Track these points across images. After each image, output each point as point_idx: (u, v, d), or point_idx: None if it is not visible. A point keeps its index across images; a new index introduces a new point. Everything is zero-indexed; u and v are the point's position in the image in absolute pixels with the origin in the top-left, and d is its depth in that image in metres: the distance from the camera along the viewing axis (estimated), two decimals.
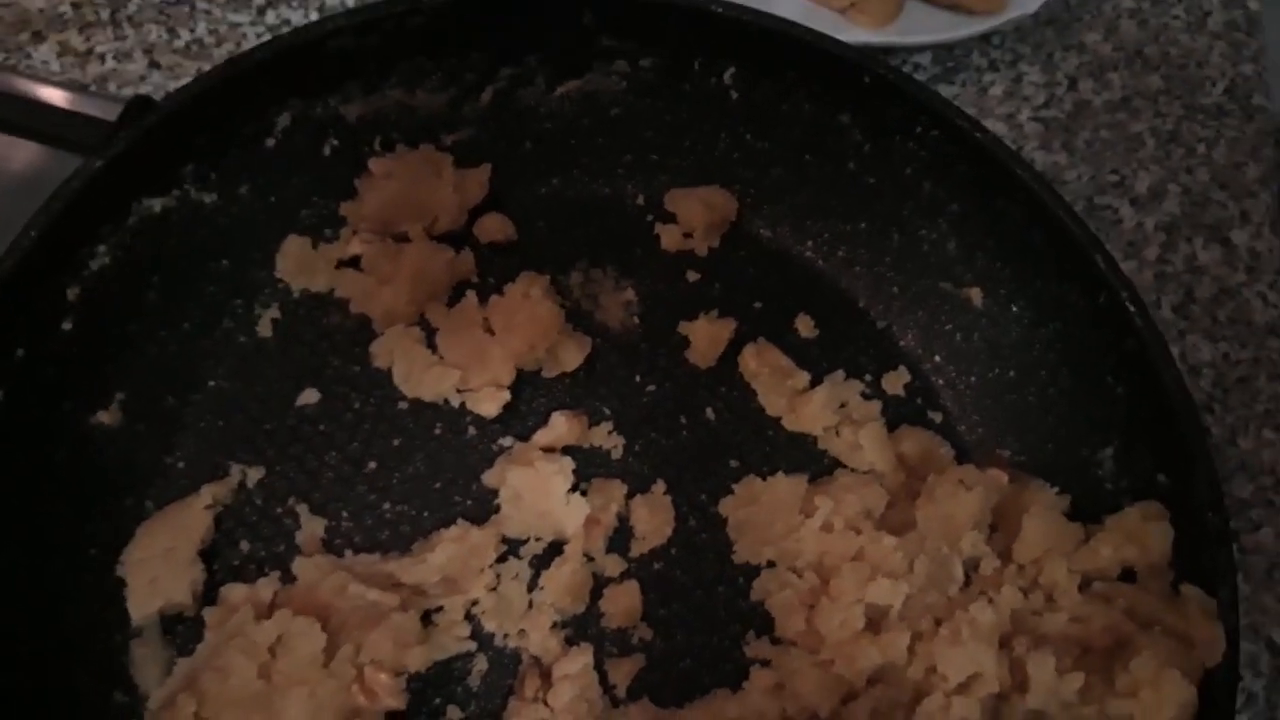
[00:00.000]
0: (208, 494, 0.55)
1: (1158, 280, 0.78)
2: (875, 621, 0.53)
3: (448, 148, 0.64)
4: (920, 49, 0.84)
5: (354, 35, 0.58)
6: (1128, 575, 0.54)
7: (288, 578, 0.53)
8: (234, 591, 0.51)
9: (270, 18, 0.82)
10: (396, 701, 0.48)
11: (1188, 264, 0.79)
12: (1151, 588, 0.52)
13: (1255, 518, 0.70)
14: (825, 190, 0.66)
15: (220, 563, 0.55)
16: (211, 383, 0.59)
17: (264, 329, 0.61)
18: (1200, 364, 0.75)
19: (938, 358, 0.65)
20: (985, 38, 0.86)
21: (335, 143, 0.62)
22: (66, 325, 0.54)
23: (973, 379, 0.64)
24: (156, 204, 0.57)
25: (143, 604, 0.51)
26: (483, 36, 0.62)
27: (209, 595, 0.53)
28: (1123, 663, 0.49)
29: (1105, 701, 0.48)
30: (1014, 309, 0.62)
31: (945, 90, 0.83)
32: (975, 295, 0.63)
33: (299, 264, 0.62)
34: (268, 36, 0.80)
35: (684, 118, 0.66)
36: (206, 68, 0.78)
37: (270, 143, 0.60)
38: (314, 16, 0.81)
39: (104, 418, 0.55)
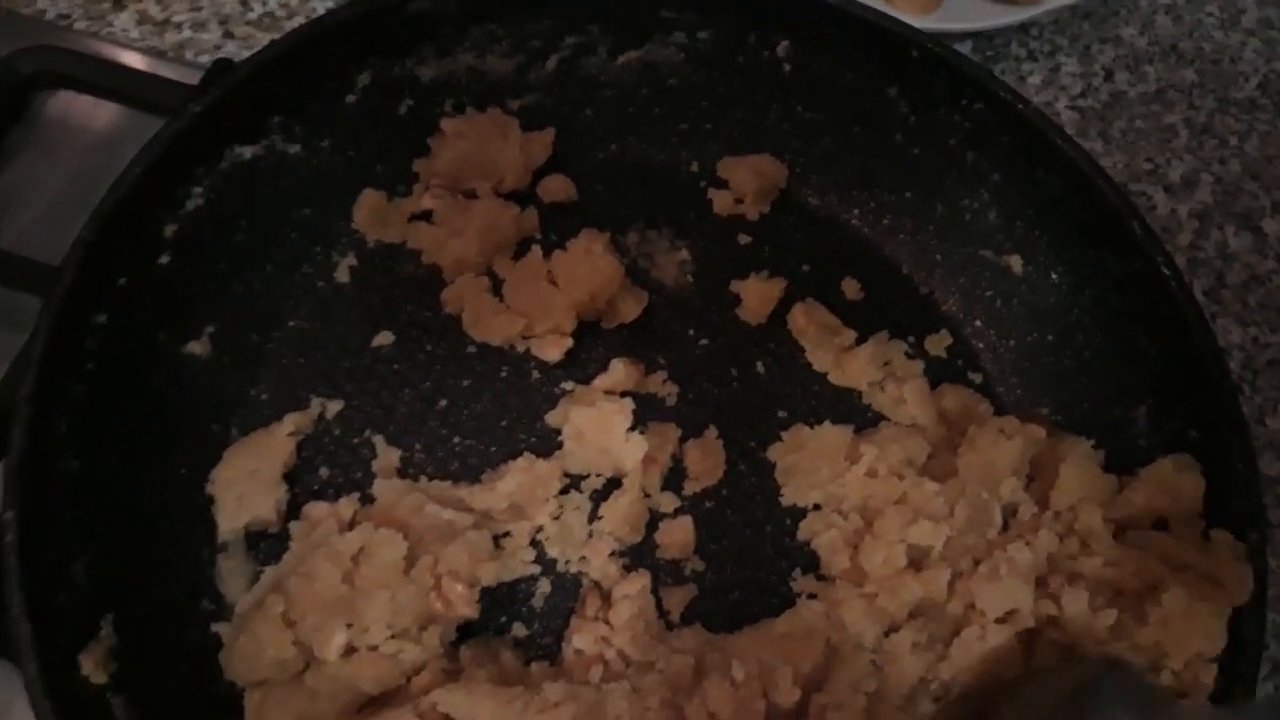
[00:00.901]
0: (290, 422, 0.58)
1: (1190, 265, 0.81)
2: (917, 561, 0.55)
3: (514, 111, 0.67)
4: (961, 36, 0.87)
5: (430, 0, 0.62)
6: (1160, 525, 0.57)
7: (366, 500, 0.56)
8: (317, 509, 0.54)
9: None
10: (470, 610, 0.51)
11: (1219, 250, 0.82)
12: (1183, 535, 0.54)
13: None
14: (872, 160, 0.68)
15: (301, 486, 0.58)
16: (292, 323, 0.62)
17: (341, 275, 0.64)
18: (1230, 346, 0.78)
19: (978, 322, 0.67)
20: (1024, 28, 0.89)
21: (410, 103, 0.65)
22: (164, 260, 0.57)
23: (1011, 342, 0.66)
24: (246, 151, 0.60)
25: (230, 519, 0.55)
26: (550, 6, 0.65)
27: (292, 515, 0.56)
28: (1155, 602, 0.51)
29: (1136, 634, 0.51)
30: (1052, 275, 0.65)
31: None
32: (1015, 262, 0.66)
33: (374, 216, 0.65)
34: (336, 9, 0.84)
35: (738, 88, 0.69)
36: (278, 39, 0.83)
37: (350, 100, 0.63)
38: None
39: (195, 348, 0.59)
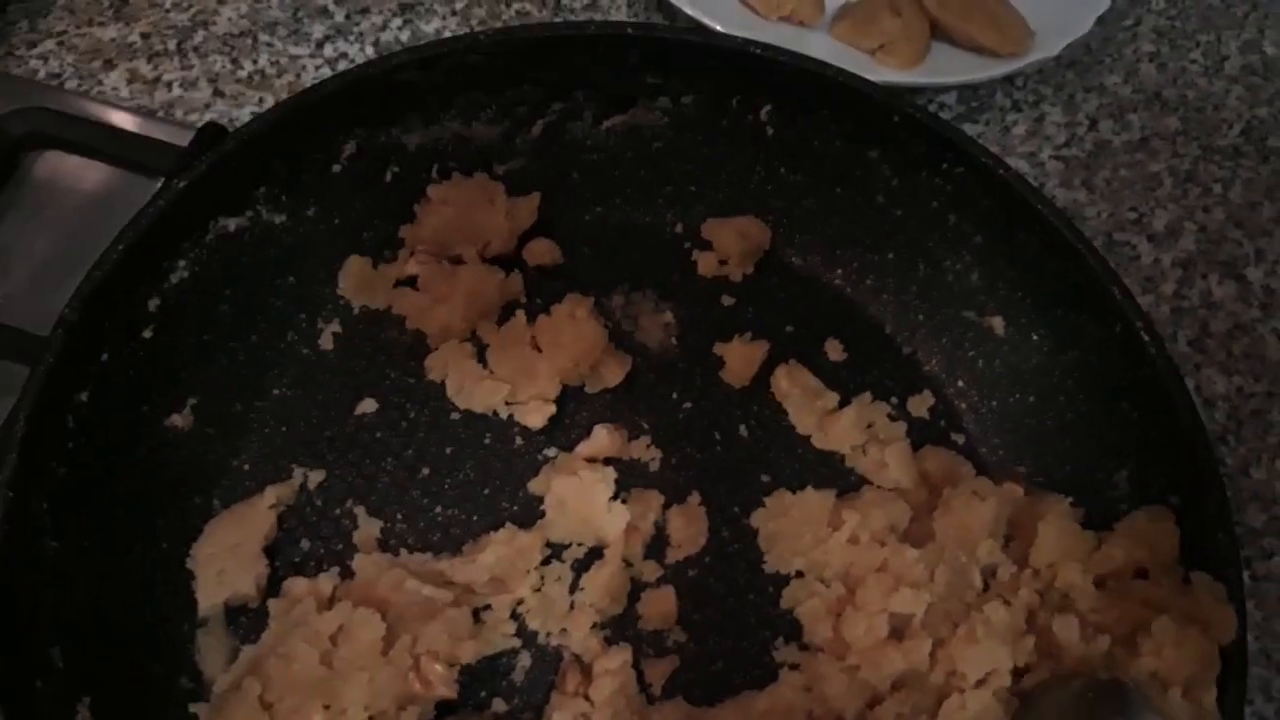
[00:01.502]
0: (271, 494, 0.58)
1: (1174, 314, 0.81)
2: (899, 629, 0.56)
3: (500, 176, 0.68)
4: (946, 89, 0.88)
5: (418, 70, 0.62)
6: (1140, 575, 0.57)
7: (346, 574, 0.57)
8: (296, 585, 0.55)
9: (328, 51, 0.86)
10: (449, 690, 0.51)
11: (1203, 299, 0.82)
12: (1163, 582, 0.55)
13: (1267, 546, 0.73)
14: (854, 221, 0.69)
15: (282, 559, 0.58)
16: (276, 391, 0.63)
17: (325, 342, 0.65)
18: (1215, 397, 0.78)
19: (960, 382, 0.67)
20: (1009, 79, 0.89)
21: (396, 170, 0.66)
22: (147, 333, 0.57)
23: (994, 403, 0.66)
24: (231, 223, 0.61)
25: (210, 595, 0.55)
26: (535, 73, 0.66)
27: (272, 589, 0.56)
28: (1145, 634, 0.52)
29: (1132, 665, 0.51)
30: (1034, 337, 0.65)
31: (969, 129, 0.87)
32: (997, 324, 0.66)
33: (360, 282, 0.66)
34: (325, 68, 0.85)
35: (722, 151, 0.69)
36: (267, 97, 0.84)
37: (336, 168, 0.64)
38: (370, 51, 0.86)
39: (177, 420, 0.59)
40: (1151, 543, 0.56)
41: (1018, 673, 0.54)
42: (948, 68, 0.85)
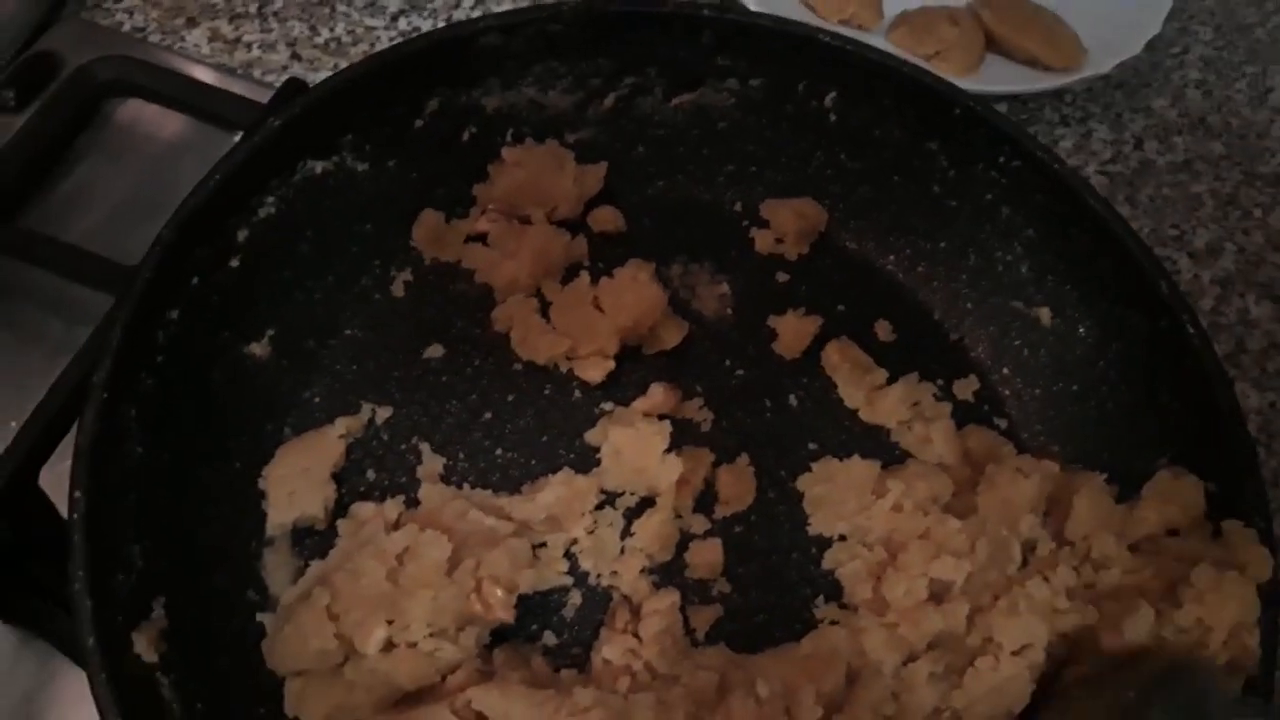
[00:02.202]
0: (341, 425, 0.60)
1: (1211, 329, 0.83)
2: (938, 594, 0.57)
3: (570, 144, 0.70)
4: (997, 99, 0.90)
5: (500, 35, 0.65)
6: (1171, 534, 0.58)
7: (411, 504, 0.59)
8: (364, 508, 0.57)
9: (402, 24, 0.89)
10: (508, 615, 0.53)
11: (1240, 317, 0.84)
12: (1194, 536, 0.57)
13: None
14: (909, 209, 0.71)
15: (348, 487, 0.60)
16: (348, 331, 0.65)
17: (397, 289, 0.67)
18: (1248, 410, 0.79)
19: (1005, 369, 0.69)
20: (1058, 94, 0.92)
21: (473, 130, 0.69)
22: (234, 263, 0.60)
23: (1037, 391, 0.68)
24: (318, 166, 0.63)
25: (280, 514, 0.57)
26: (611, 47, 0.68)
27: (338, 513, 0.58)
28: (1185, 583, 0.53)
29: (1175, 617, 0.52)
30: (1080, 329, 0.67)
31: None
32: (1044, 315, 0.68)
33: (432, 235, 0.68)
34: (399, 40, 0.88)
35: (784, 135, 0.72)
36: (342, 63, 0.87)
37: (418, 124, 0.66)
38: (441, 24, 0.89)
39: (255, 349, 0.61)
40: (1180, 501, 0.58)
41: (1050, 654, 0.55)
42: (1000, 78, 0.87)
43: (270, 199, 0.61)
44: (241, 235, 0.60)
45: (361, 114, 0.64)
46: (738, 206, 0.73)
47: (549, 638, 0.57)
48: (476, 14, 0.90)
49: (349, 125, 0.64)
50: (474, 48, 0.65)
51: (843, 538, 0.61)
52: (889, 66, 0.67)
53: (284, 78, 0.85)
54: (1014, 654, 0.55)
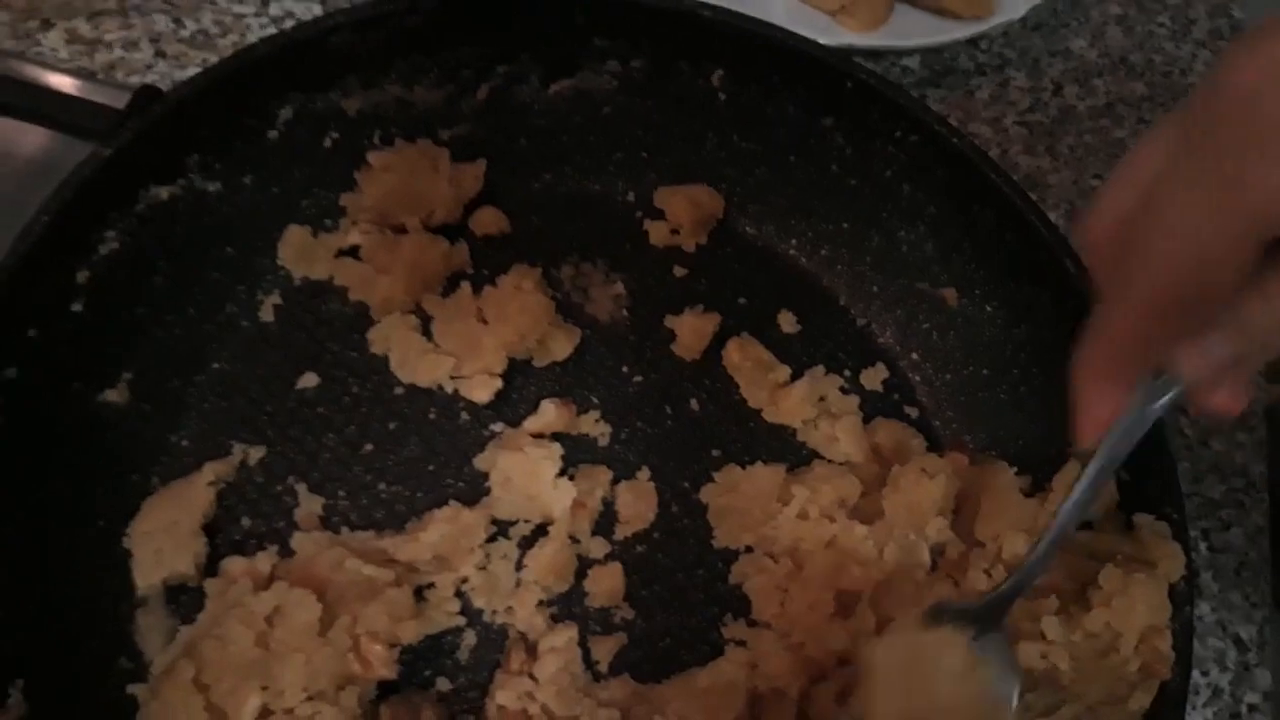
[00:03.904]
0: (210, 471, 0.57)
1: None
2: (846, 606, 0.55)
3: (445, 142, 0.66)
4: (908, 52, 0.86)
5: (354, 32, 0.60)
6: (1084, 528, 0.56)
7: (286, 552, 0.56)
8: (234, 564, 0.54)
9: (274, 9, 0.83)
10: (389, 671, 0.51)
11: None
12: (1106, 529, 0.55)
13: (1225, 517, 0.73)
14: (808, 191, 0.68)
15: (222, 537, 0.57)
16: (215, 365, 0.61)
17: (266, 314, 0.63)
18: None
19: (914, 355, 0.67)
20: (973, 42, 0.88)
21: (335, 136, 0.64)
22: (76, 307, 0.56)
23: (948, 376, 0.66)
24: (163, 192, 0.59)
25: (148, 574, 0.54)
26: (479, 35, 0.64)
27: (211, 567, 0.55)
28: (1094, 587, 0.52)
29: (1085, 621, 0.51)
30: (988, 309, 0.64)
31: (933, 94, 0.86)
32: (951, 296, 0.65)
33: (300, 252, 0.64)
34: (271, 28, 0.82)
35: (673, 117, 0.68)
36: (212, 58, 0.81)
37: (272, 135, 0.62)
38: (316, 9, 0.83)
39: (112, 396, 0.57)
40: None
41: None
42: (910, 30, 0.83)
43: (111, 233, 0.57)
44: (82, 276, 0.56)
45: (206, 131, 0.59)
46: (630, 197, 0.70)
47: (443, 683, 0.55)
48: None
49: (194, 144, 0.59)
50: (326, 47, 0.60)
51: (749, 549, 0.59)
52: (775, 39, 0.63)
53: (149, 78, 0.80)
54: None
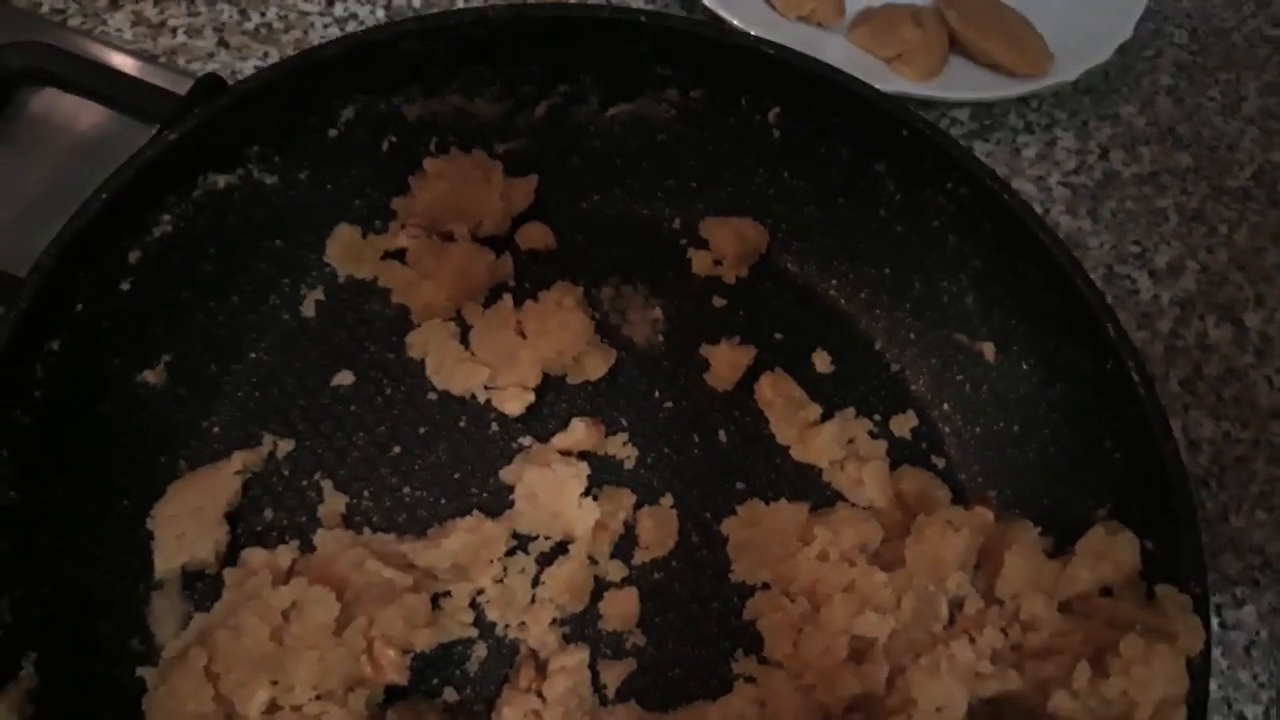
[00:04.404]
0: (238, 460, 0.57)
1: (1168, 353, 0.80)
2: (860, 651, 0.55)
3: (499, 155, 0.67)
4: (960, 105, 0.87)
5: (421, 40, 0.61)
6: (1103, 594, 0.56)
7: (307, 548, 0.56)
8: (255, 555, 0.54)
9: (338, 10, 0.85)
10: (399, 677, 0.51)
11: (1199, 341, 0.81)
12: (1127, 597, 0.55)
13: (1240, 595, 0.72)
14: (854, 233, 0.68)
15: (244, 527, 0.57)
16: (253, 355, 0.62)
17: (308, 309, 0.64)
18: (1201, 440, 0.77)
19: (946, 405, 0.67)
20: (1023, 100, 0.88)
21: (393, 139, 0.65)
22: (125, 286, 0.56)
23: (977, 429, 0.66)
24: (221, 180, 0.59)
25: (168, 558, 0.54)
26: (543, 53, 0.64)
27: (231, 557, 0.55)
28: (1113, 654, 0.51)
29: (1102, 687, 0.50)
30: (1024, 366, 0.64)
31: (980, 147, 0.86)
32: (988, 350, 0.65)
33: (347, 251, 0.64)
34: (334, 27, 0.84)
35: (726, 150, 0.68)
36: (273, 51, 0.82)
37: (333, 133, 0.63)
38: (380, 11, 0.85)
39: (149, 377, 0.58)
40: (1114, 558, 0.56)
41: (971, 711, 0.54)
42: (963, 83, 0.84)
43: (166, 217, 0.57)
44: (133, 256, 0.56)
45: (270, 124, 0.60)
46: (676, 224, 0.70)
47: (450, 694, 0.55)
48: (417, 1, 0.86)
49: (255, 136, 0.60)
50: (394, 52, 0.61)
51: (766, 586, 0.59)
52: (835, 82, 0.63)
53: (210, 66, 0.81)
54: (932, 715, 0.53)
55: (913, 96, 0.81)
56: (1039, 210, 0.84)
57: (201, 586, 0.55)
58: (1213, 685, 0.68)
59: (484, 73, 0.64)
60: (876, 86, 0.78)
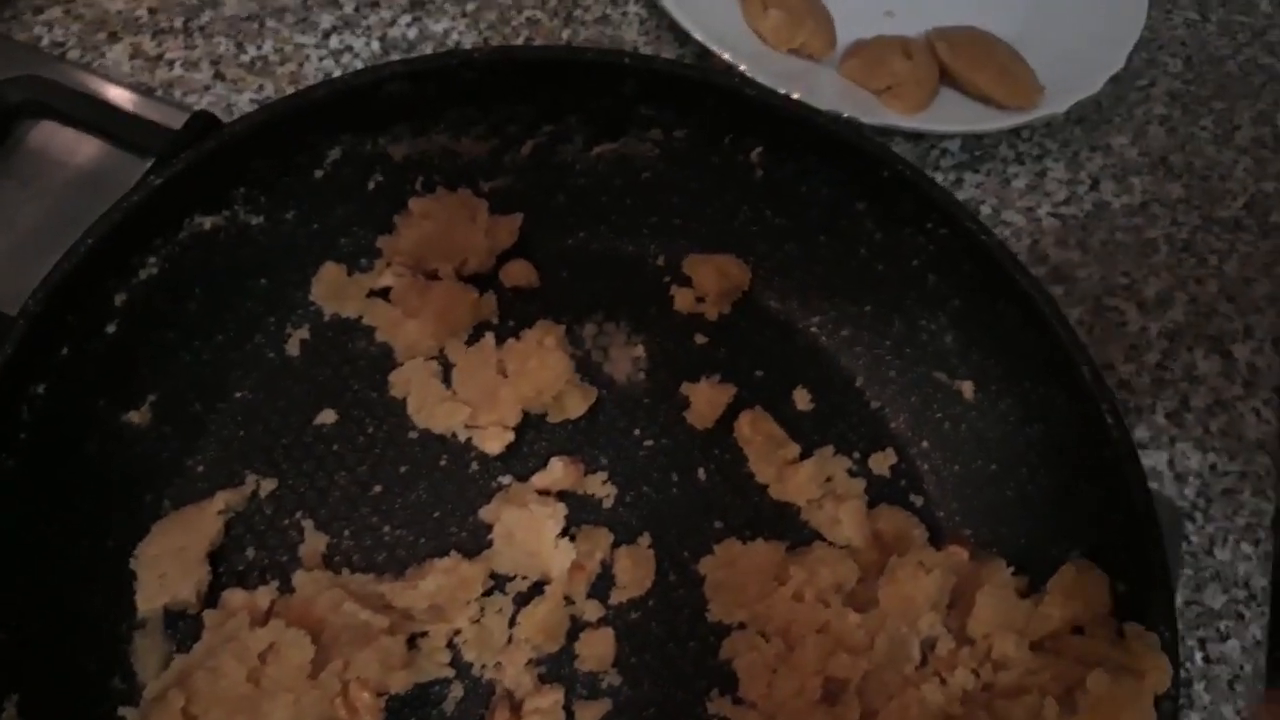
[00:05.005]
0: (221, 499, 0.58)
1: (1155, 385, 0.80)
2: (833, 693, 0.56)
3: (485, 194, 0.68)
4: (950, 136, 0.87)
5: (409, 81, 0.62)
6: (1076, 631, 0.57)
7: (287, 588, 0.57)
8: (234, 596, 0.55)
9: (334, 42, 0.86)
10: None
11: (1186, 372, 0.81)
12: (1097, 635, 0.55)
13: (1224, 629, 0.72)
14: (835, 271, 0.68)
15: (226, 566, 0.58)
16: (237, 394, 0.63)
17: (292, 348, 0.65)
18: (1187, 472, 0.77)
19: (925, 443, 0.67)
20: (1014, 130, 0.88)
21: (380, 179, 0.65)
22: (110, 328, 0.57)
23: (956, 468, 0.66)
24: (207, 222, 0.60)
25: (150, 598, 0.55)
26: (529, 94, 0.65)
27: (212, 597, 0.56)
28: (1080, 689, 0.52)
29: None
30: (1002, 406, 0.64)
31: (970, 178, 0.86)
32: (967, 388, 0.66)
33: (333, 289, 0.65)
34: (329, 59, 0.85)
35: (709, 188, 0.69)
36: (268, 84, 0.83)
37: (319, 174, 0.63)
38: (375, 44, 0.86)
39: (134, 417, 0.59)
40: (1085, 597, 0.56)
41: None
42: (953, 115, 0.84)
43: (152, 259, 0.58)
44: (119, 299, 0.57)
45: (257, 165, 0.61)
46: (660, 261, 0.71)
47: None
48: (412, 33, 0.87)
49: (242, 178, 0.61)
50: (379, 95, 0.62)
51: (742, 626, 0.59)
52: (815, 123, 0.64)
53: (206, 99, 0.82)
54: None
55: (902, 129, 0.82)
56: (1028, 241, 0.84)
57: (183, 625, 0.56)
58: (1195, 719, 0.69)
59: (471, 113, 0.65)
60: (866, 120, 0.79)
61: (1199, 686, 0.70)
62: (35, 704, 0.50)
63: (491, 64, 0.63)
